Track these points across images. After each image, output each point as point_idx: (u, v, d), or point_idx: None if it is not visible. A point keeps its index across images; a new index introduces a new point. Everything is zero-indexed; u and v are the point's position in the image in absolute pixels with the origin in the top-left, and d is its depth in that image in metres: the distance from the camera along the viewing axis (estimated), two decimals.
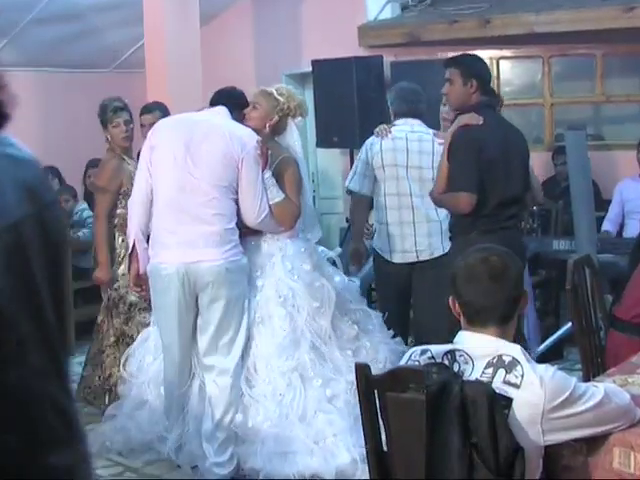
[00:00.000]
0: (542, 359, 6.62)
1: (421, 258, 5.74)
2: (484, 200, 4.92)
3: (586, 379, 4.20)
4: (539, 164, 8.76)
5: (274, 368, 4.70)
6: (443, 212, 5.64)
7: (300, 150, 5.15)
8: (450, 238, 5.22)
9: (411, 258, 5.71)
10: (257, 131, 4.86)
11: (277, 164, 4.91)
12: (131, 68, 9.50)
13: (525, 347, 4.93)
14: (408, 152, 5.77)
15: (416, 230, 5.74)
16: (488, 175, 4.93)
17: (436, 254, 5.72)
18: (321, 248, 5.47)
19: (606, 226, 7.55)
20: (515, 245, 4.91)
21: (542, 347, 6.68)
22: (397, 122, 5.96)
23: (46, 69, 9.32)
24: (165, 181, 4.71)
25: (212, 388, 4.72)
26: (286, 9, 9.72)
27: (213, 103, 4.99)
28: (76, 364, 7.48)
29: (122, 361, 5.29)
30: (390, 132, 5.84)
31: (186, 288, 4.63)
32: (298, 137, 5.13)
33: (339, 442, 4.60)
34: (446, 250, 5.56)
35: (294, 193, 4.89)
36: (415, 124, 5.89)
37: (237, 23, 10.02)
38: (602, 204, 7.67)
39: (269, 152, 4.78)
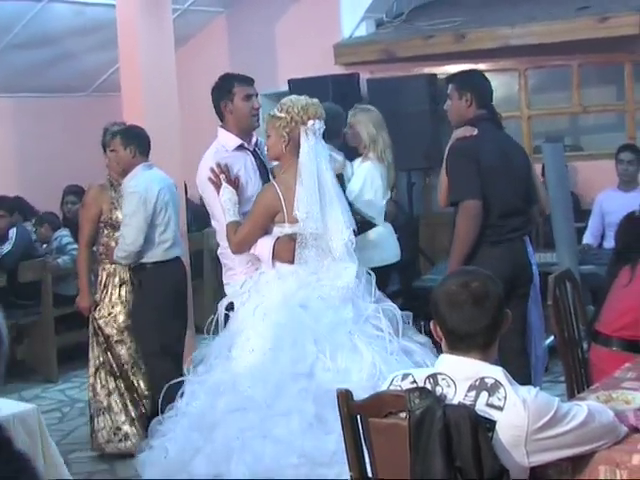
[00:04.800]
0: None
1: None
2: (488, 210, 4.90)
3: (570, 392, 4.20)
4: None
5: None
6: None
7: (313, 157, 4.60)
8: None
9: None
10: (279, 158, 4.76)
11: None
12: (108, 91, 9.46)
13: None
14: None
15: None
16: (489, 184, 4.90)
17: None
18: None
19: (587, 239, 7.53)
20: (520, 257, 5.00)
21: None
22: None
23: (21, 94, 9.26)
24: None
25: None
26: (261, 29, 9.70)
27: None
28: (57, 391, 7.46)
29: None
30: None
31: None
32: (311, 144, 4.62)
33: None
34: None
35: (247, 219, 4.74)
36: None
37: (212, 44, 10.00)
38: (582, 215, 7.67)
39: (223, 176, 4.82)
